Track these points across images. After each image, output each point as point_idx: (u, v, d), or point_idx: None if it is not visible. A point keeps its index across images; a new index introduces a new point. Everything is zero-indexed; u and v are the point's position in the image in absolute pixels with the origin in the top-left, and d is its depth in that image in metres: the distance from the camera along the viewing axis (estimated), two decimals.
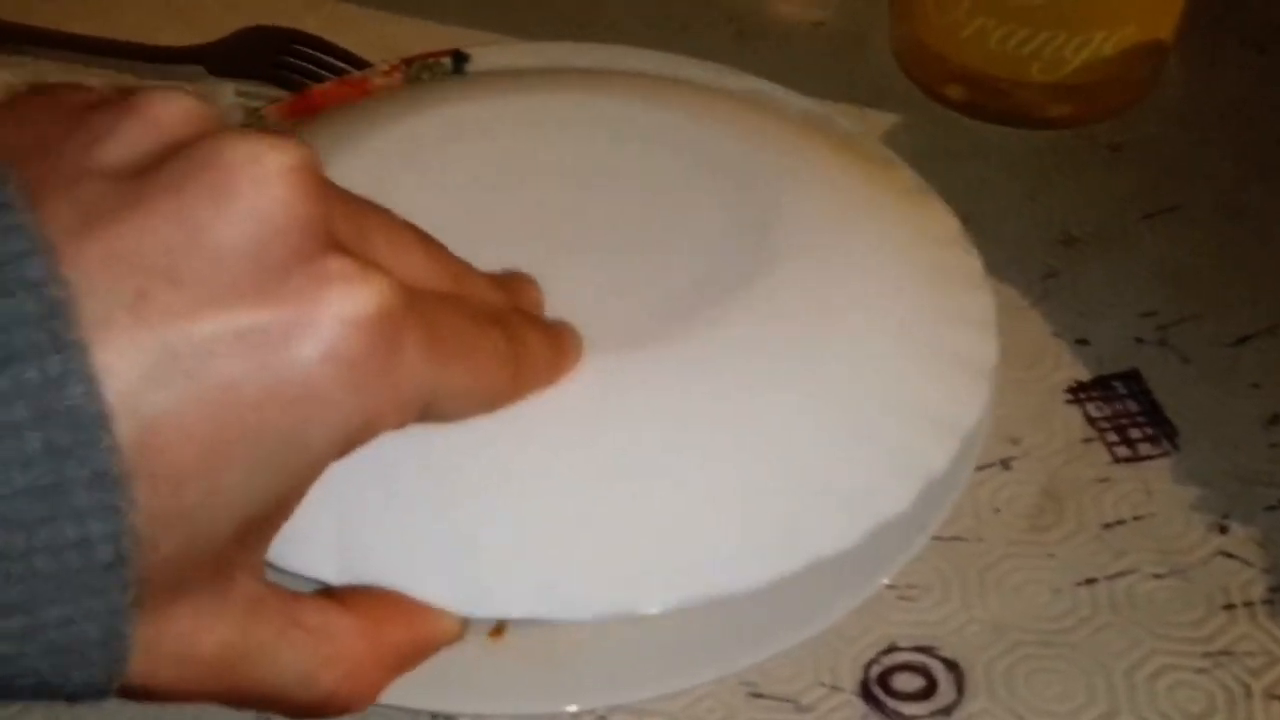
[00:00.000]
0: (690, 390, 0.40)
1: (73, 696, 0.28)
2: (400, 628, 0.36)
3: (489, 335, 0.34)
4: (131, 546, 0.26)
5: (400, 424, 0.31)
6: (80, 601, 0.26)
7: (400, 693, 0.36)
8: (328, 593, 0.35)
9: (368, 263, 0.29)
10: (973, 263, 0.48)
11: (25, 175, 0.27)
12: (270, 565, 0.33)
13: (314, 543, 0.36)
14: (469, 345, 0.33)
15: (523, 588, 0.37)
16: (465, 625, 0.37)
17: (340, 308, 0.28)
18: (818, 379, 0.42)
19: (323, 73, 0.64)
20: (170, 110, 0.29)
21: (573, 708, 0.41)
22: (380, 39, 0.66)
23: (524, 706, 0.41)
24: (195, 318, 0.26)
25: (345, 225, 0.31)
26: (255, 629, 0.31)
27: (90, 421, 0.25)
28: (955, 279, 0.46)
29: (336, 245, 0.29)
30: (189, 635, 0.30)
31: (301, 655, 0.32)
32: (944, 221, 0.49)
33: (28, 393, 0.24)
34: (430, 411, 0.32)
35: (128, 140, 0.28)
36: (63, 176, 0.27)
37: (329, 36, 0.65)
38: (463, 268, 0.36)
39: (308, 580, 0.37)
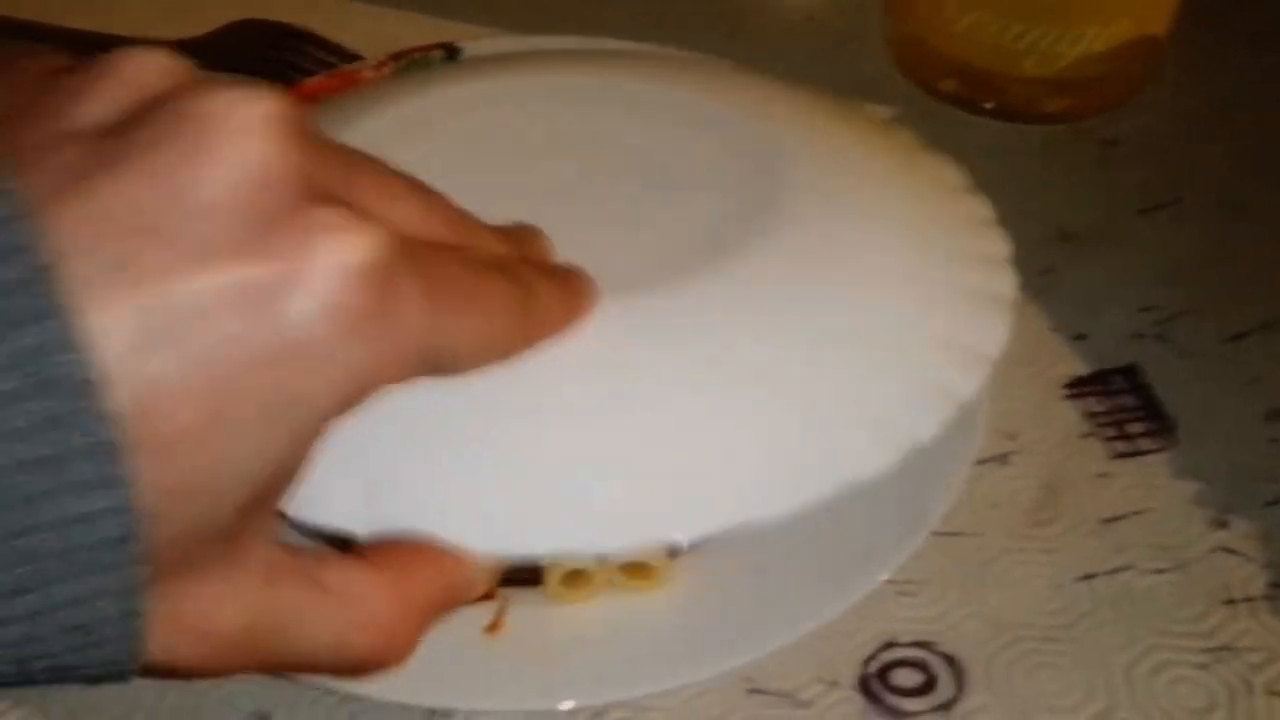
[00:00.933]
0: (713, 326, 0.39)
1: (94, 678, 0.27)
2: (427, 578, 0.34)
3: (494, 283, 0.33)
4: (138, 521, 0.25)
5: (404, 376, 0.30)
6: (91, 579, 0.25)
7: (396, 688, 0.35)
8: (351, 549, 0.34)
9: (357, 211, 0.28)
10: (983, 208, 0.47)
11: (2, 141, 0.26)
12: (299, 523, 0.33)
13: (341, 497, 0.35)
14: (472, 293, 0.32)
15: (551, 524, 0.36)
16: (493, 572, 0.36)
17: (331, 258, 0.27)
18: (839, 313, 0.41)
19: (313, 67, 0.63)
20: (143, 66, 0.28)
21: (570, 704, 0.40)
22: (371, 33, 0.66)
23: (521, 702, 0.41)
24: (183, 276, 0.26)
25: (333, 175, 0.29)
26: (277, 597, 0.30)
27: (85, 389, 0.24)
28: (967, 221, 0.46)
29: (323, 195, 0.28)
30: (209, 609, 0.29)
31: (329, 619, 0.31)
32: (951, 172, 0.49)
33: (20, 361, 0.24)
34: (439, 364, 0.31)
35: (103, 99, 0.27)
36: (40, 140, 0.26)
37: (320, 30, 0.65)
38: (464, 217, 0.35)
39: (337, 536, 0.36)
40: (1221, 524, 0.47)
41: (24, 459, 0.24)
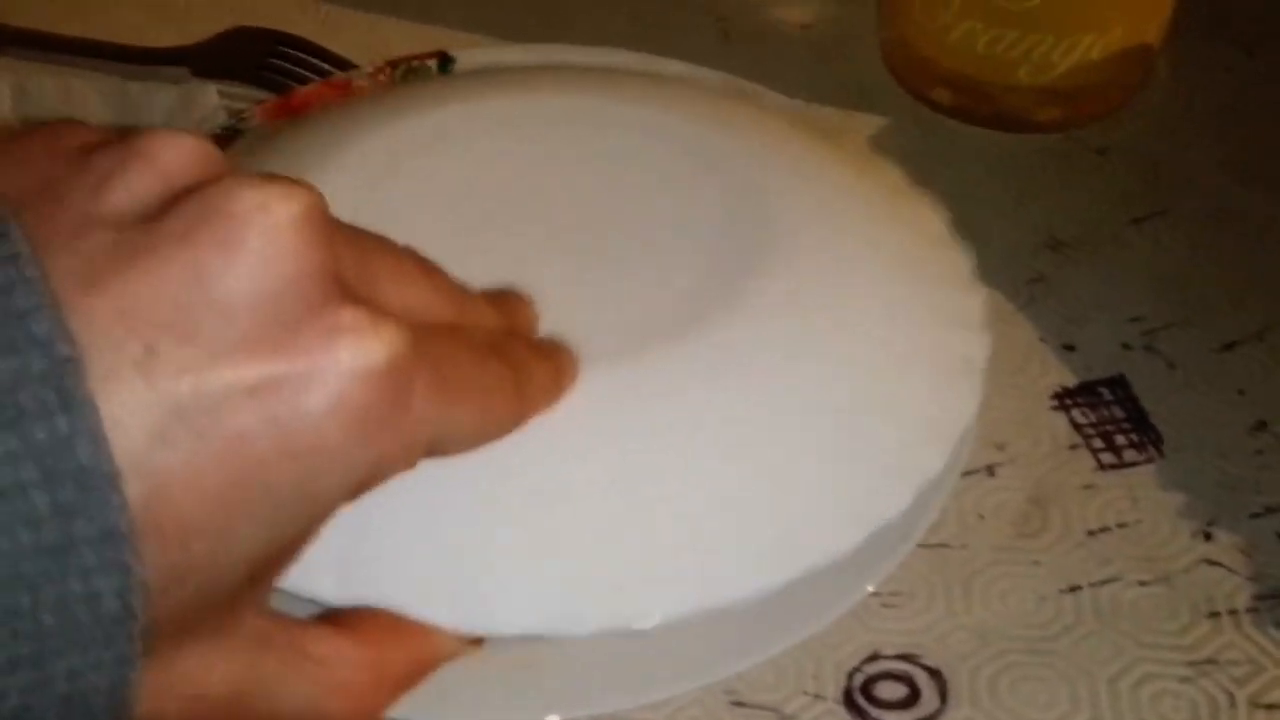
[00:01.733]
0: (680, 402, 0.40)
1: None
2: (401, 649, 0.36)
3: (492, 368, 0.35)
4: (140, 600, 0.26)
5: (409, 466, 0.31)
6: (88, 653, 0.26)
7: None
8: (329, 618, 0.35)
9: (377, 311, 0.29)
10: (962, 261, 0.47)
11: (29, 224, 0.26)
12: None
13: (312, 562, 0.35)
14: (474, 382, 0.33)
15: (520, 605, 0.37)
16: (465, 643, 0.38)
17: (351, 360, 0.28)
18: (809, 385, 0.41)
19: (307, 74, 0.63)
20: (175, 154, 0.28)
21: (552, 717, 0.40)
22: (366, 41, 0.66)
23: (503, 716, 0.41)
24: (204, 374, 0.26)
25: (351, 266, 0.30)
26: (262, 663, 0.31)
27: (99, 481, 0.24)
28: (945, 278, 0.46)
29: (346, 293, 0.29)
30: (197, 675, 0.30)
31: (307, 685, 0.32)
32: (933, 220, 0.49)
33: (35, 452, 0.24)
34: (439, 449, 0.32)
35: (133, 186, 0.28)
36: (67, 225, 0.27)
37: (315, 38, 0.65)
38: (462, 293, 0.36)
39: (306, 600, 0.37)
40: (1207, 536, 0.47)
41: (33, 545, 0.24)
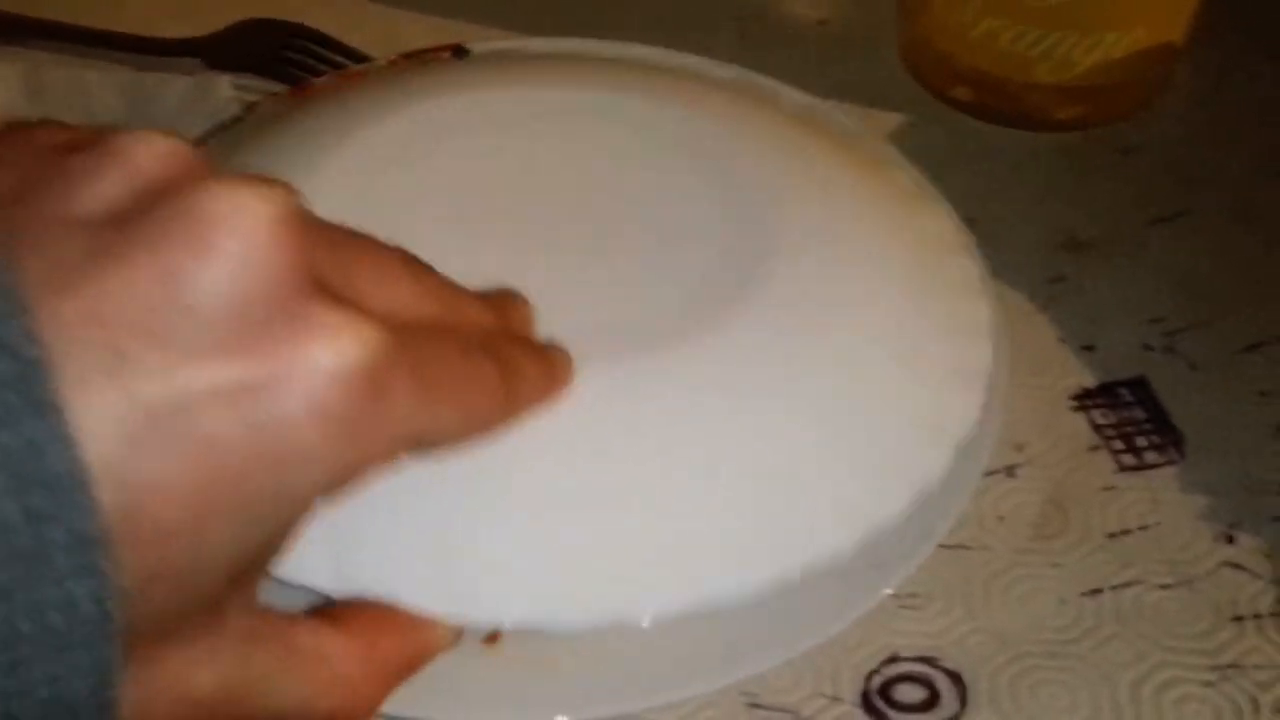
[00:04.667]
0: (682, 399, 0.40)
1: None
2: (394, 641, 0.35)
3: (479, 367, 0.34)
4: (117, 604, 0.25)
5: (388, 464, 0.30)
6: (66, 659, 0.25)
7: (390, 701, 0.35)
8: (320, 612, 0.35)
9: (354, 310, 0.28)
10: (972, 268, 0.47)
11: (1, 222, 0.26)
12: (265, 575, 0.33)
13: (308, 552, 0.35)
14: (459, 380, 0.33)
15: (516, 595, 0.37)
16: (459, 634, 0.37)
17: (325, 361, 0.27)
18: (811, 387, 0.41)
19: (321, 67, 0.63)
20: (149, 154, 0.28)
21: (567, 718, 0.40)
22: (381, 34, 0.66)
23: (516, 717, 0.40)
24: (175, 376, 0.26)
25: (329, 264, 0.30)
26: (250, 662, 0.31)
27: (70, 486, 0.24)
28: (953, 285, 0.46)
29: (321, 292, 0.28)
30: (183, 677, 0.29)
31: (298, 682, 0.32)
32: (944, 225, 0.48)
33: (4, 458, 0.23)
34: (419, 447, 0.32)
35: (106, 187, 0.27)
36: (39, 227, 0.26)
37: (330, 31, 0.65)
38: (451, 291, 0.36)
39: (302, 590, 0.36)
40: (1229, 539, 0.46)
41: (4, 553, 0.24)
